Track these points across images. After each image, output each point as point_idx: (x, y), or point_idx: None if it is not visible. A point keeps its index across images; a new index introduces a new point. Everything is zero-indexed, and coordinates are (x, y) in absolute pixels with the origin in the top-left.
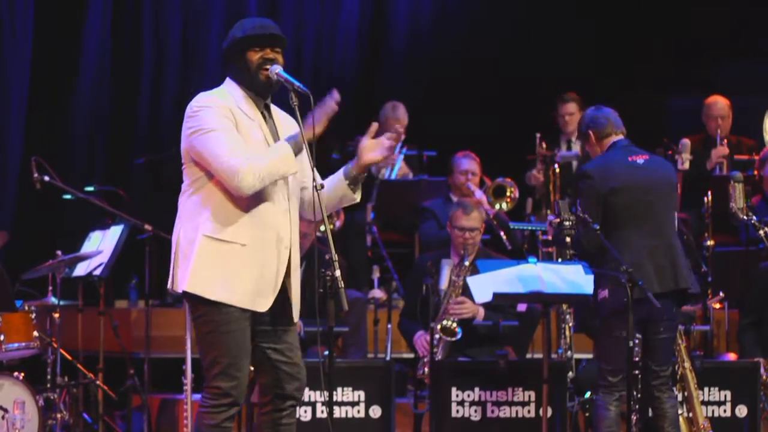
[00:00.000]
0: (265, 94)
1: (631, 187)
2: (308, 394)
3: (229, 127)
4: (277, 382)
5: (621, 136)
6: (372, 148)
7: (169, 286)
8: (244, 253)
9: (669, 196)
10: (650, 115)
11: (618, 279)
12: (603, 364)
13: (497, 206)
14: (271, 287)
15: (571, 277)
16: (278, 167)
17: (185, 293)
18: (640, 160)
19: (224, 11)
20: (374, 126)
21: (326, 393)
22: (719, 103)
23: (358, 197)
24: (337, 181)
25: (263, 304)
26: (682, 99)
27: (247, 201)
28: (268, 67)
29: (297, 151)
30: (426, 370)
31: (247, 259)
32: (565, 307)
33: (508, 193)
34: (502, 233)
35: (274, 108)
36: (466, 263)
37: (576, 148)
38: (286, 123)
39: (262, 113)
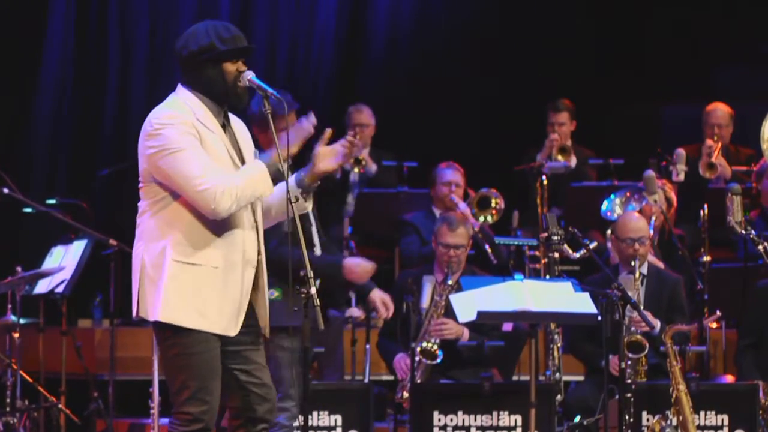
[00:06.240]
0: (237, 105)
1: None
2: None
3: (196, 145)
4: (248, 405)
5: None
6: (327, 156)
7: (134, 312)
8: (216, 276)
9: None
10: (645, 124)
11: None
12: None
13: (482, 219)
14: (240, 309)
15: (560, 295)
16: (255, 188)
17: (155, 322)
18: None
19: (195, 14)
20: (328, 132)
21: (301, 417)
22: (718, 110)
23: (309, 206)
24: (288, 189)
25: (234, 328)
26: (679, 106)
27: (216, 220)
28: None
29: (273, 171)
30: (404, 393)
31: (219, 282)
32: (553, 326)
33: (493, 205)
34: (487, 247)
35: (231, 116)
36: (450, 282)
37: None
38: (243, 131)
39: (222, 124)
